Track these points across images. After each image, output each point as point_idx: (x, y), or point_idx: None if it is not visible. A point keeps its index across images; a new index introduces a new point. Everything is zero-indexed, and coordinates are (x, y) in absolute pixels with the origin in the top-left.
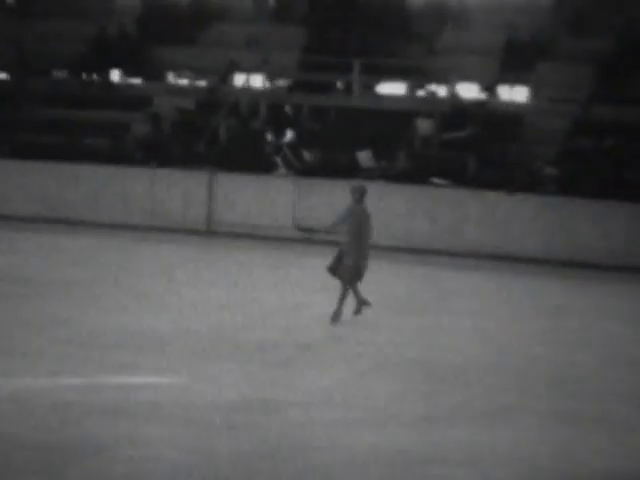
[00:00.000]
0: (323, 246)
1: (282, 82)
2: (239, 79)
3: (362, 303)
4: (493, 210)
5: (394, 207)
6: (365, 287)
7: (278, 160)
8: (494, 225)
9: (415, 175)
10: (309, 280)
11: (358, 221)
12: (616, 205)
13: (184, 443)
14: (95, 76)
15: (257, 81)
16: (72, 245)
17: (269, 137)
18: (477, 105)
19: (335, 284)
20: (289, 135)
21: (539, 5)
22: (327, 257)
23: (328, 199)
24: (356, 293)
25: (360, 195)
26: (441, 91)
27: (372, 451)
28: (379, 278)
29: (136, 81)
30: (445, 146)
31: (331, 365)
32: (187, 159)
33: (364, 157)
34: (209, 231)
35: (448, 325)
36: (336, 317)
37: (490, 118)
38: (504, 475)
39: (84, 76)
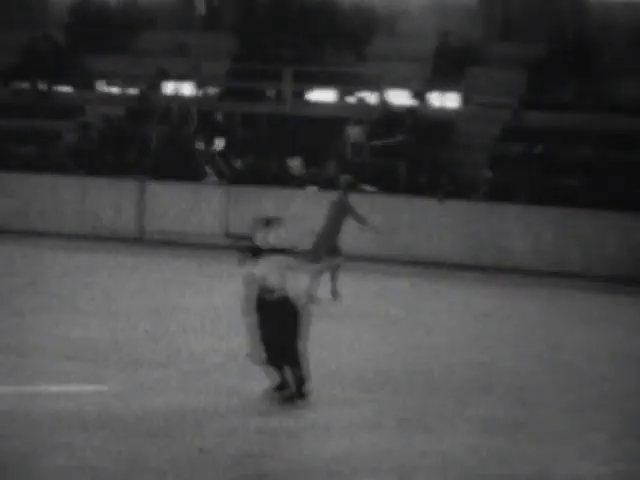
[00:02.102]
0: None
1: (213, 90)
2: (169, 87)
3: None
4: (424, 216)
5: (324, 214)
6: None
7: (209, 168)
8: (425, 231)
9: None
10: (238, 288)
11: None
12: (546, 211)
13: (115, 451)
14: (26, 85)
15: (187, 89)
16: (1, 254)
17: (200, 145)
18: (408, 112)
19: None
20: (220, 143)
21: (469, 10)
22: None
23: (259, 207)
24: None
25: (347, 186)
26: (372, 98)
27: (304, 460)
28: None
29: (67, 90)
30: (376, 153)
31: (263, 373)
32: (118, 167)
33: (295, 165)
34: (140, 239)
35: (374, 332)
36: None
37: (421, 124)
38: None
39: (15, 85)
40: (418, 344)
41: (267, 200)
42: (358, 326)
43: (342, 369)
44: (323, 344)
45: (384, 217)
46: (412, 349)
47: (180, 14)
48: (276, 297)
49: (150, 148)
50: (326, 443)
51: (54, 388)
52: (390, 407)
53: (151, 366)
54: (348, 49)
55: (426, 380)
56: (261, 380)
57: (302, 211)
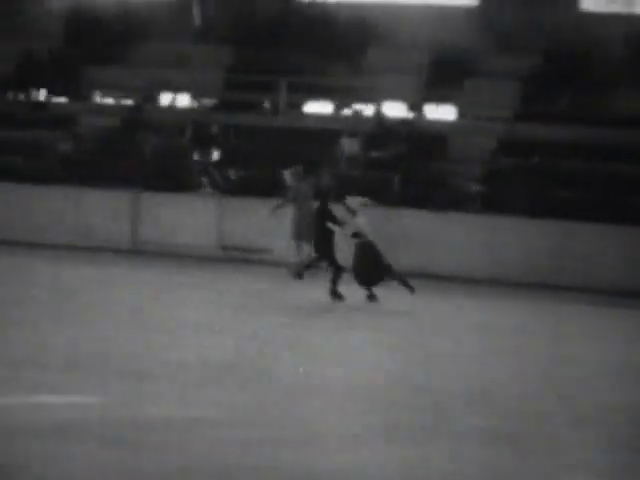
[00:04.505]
0: (246, 265)
1: (208, 101)
2: (165, 98)
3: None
4: (416, 228)
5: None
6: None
7: (203, 179)
8: (417, 243)
9: (340, 194)
10: (231, 299)
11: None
12: (540, 223)
13: (105, 463)
14: (21, 95)
15: (183, 100)
16: None
17: (195, 156)
18: (403, 124)
19: (256, 305)
20: (215, 154)
21: (464, 23)
22: (250, 276)
23: (253, 218)
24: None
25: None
26: (367, 110)
27: (296, 471)
28: (296, 296)
29: (62, 100)
30: (370, 165)
31: (253, 384)
32: (112, 178)
33: (289, 176)
34: (134, 250)
35: (371, 344)
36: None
37: (416, 137)
38: None
39: (10, 95)
40: (409, 357)
41: (261, 211)
42: (343, 339)
43: (329, 381)
44: (300, 354)
45: (376, 228)
46: (403, 362)
47: (175, 25)
48: (365, 240)
49: (145, 159)
50: (312, 455)
51: (45, 399)
52: (379, 419)
53: (142, 378)
54: (343, 61)
55: (415, 391)
56: (251, 392)
57: None
